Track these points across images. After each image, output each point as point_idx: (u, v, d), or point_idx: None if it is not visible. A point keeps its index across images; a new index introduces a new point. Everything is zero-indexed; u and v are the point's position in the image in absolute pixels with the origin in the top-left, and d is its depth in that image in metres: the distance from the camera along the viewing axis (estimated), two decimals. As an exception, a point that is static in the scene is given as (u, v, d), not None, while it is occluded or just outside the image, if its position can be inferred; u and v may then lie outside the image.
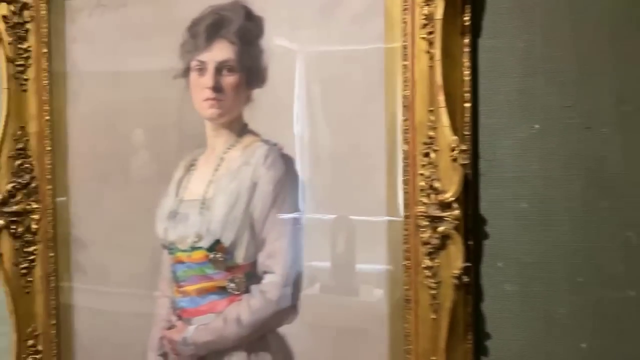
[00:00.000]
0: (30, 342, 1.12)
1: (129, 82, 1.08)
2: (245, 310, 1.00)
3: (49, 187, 1.11)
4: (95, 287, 1.12)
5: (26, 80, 1.11)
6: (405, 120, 0.89)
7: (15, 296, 1.10)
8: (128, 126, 1.08)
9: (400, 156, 0.90)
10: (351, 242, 0.96)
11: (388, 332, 0.92)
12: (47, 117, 1.11)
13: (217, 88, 1.00)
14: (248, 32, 0.99)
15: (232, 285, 1.01)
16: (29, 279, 1.12)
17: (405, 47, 0.89)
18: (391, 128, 0.91)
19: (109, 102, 1.09)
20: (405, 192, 0.90)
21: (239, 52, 0.99)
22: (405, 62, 0.89)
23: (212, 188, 1.02)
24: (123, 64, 1.08)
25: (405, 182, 0.90)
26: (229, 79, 1.00)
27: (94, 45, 1.10)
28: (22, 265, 1.11)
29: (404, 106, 0.90)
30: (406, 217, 0.90)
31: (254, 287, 1.00)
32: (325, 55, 0.96)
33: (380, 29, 0.92)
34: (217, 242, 1.01)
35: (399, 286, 0.91)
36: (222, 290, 1.02)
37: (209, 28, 1.01)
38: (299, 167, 0.97)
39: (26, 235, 1.11)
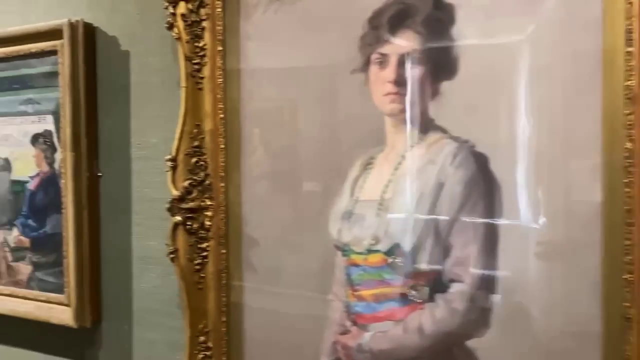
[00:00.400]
0: (202, 338, 1.13)
1: (304, 77, 1.05)
2: (428, 320, 0.94)
3: (222, 184, 1.12)
4: (266, 286, 1.10)
5: (202, 78, 1.12)
6: (628, 114, 0.78)
7: (189, 292, 1.12)
8: (302, 123, 1.06)
9: (622, 155, 0.79)
10: (555, 251, 0.85)
11: (601, 353, 0.82)
12: (222, 115, 1.11)
13: (399, 82, 0.95)
14: (437, 21, 0.92)
15: (414, 292, 0.95)
16: (201, 275, 1.13)
17: (629, 32, 0.78)
18: (610, 123, 0.80)
19: (283, 98, 1.07)
20: (628, 197, 0.78)
21: (426, 43, 0.93)
22: (630, 49, 0.78)
23: (391, 188, 0.97)
24: (298, 59, 1.05)
25: (628, 185, 0.78)
26: (413, 72, 0.94)
27: (268, 42, 1.08)
28: (196, 261, 1.12)
29: (628, 98, 0.78)
30: (628, 224, 0.79)
31: (438, 296, 0.93)
32: (528, 44, 0.86)
33: (596, 11, 0.81)
34: (397, 245, 0.96)
35: (616, 302, 0.80)
36: (402, 297, 0.96)
37: (393, 18, 0.95)
38: (494, 166, 0.88)
39: (200, 231, 1.12)
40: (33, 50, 1.34)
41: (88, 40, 1.29)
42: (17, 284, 1.41)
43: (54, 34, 1.29)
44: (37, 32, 1.31)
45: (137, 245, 1.29)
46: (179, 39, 1.10)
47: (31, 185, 1.38)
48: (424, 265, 0.94)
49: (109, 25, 1.30)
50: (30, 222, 1.39)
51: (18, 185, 1.40)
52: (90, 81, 1.30)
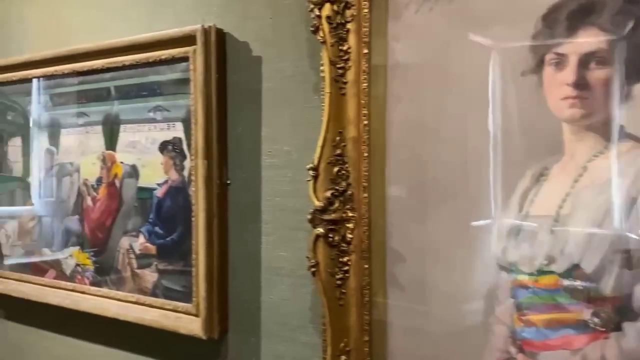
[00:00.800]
0: (343, 357, 1.07)
1: (462, 80, 0.97)
2: (614, 351, 0.83)
3: (365, 195, 1.05)
4: (413, 305, 1.03)
5: (345, 83, 1.06)
6: None
7: (330, 308, 1.06)
8: (459, 130, 0.97)
9: None
10: None
11: None
12: (365, 122, 1.05)
13: (580, 84, 0.85)
14: (630, 16, 0.82)
15: (596, 319, 0.85)
16: (342, 291, 1.07)
17: None
18: None
19: (437, 103, 1.00)
20: None
21: (615, 41, 0.83)
22: None
23: (569, 202, 0.87)
24: (455, 61, 0.98)
25: None
26: (598, 74, 0.84)
27: (420, 42, 1.01)
28: (337, 276, 1.07)
29: None
30: None
31: (627, 325, 0.82)
32: None
33: None
34: (575, 266, 0.86)
35: None
36: (580, 324, 0.86)
37: (573, 15, 0.85)
38: None
39: (342, 244, 1.06)
40: (163, 57, 1.33)
41: (220, 46, 1.27)
42: (142, 291, 1.41)
43: (185, 40, 1.28)
44: (169, 38, 1.31)
45: (266, 256, 1.25)
46: (323, 42, 1.05)
47: (159, 193, 1.38)
48: (609, 290, 0.83)
49: (240, 31, 1.28)
50: (157, 229, 1.38)
51: (145, 192, 1.41)
52: (221, 88, 1.27)
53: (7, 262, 1.74)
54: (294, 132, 1.20)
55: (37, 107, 1.63)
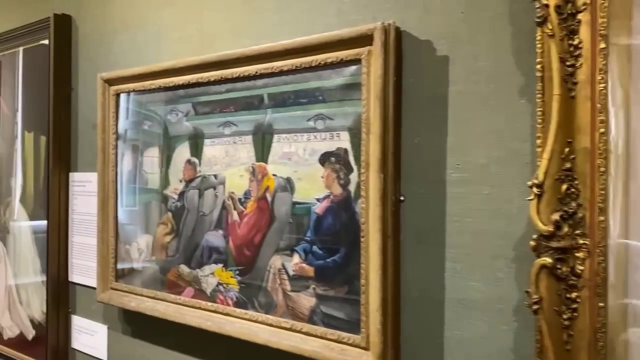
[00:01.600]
0: (570, 413, 0.89)
1: None
2: None
3: (601, 218, 0.87)
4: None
5: (575, 84, 0.89)
6: None
7: (556, 352, 0.88)
8: None
9: None
10: None
11: None
12: (602, 130, 0.87)
13: None
14: None
15: None
16: (570, 333, 0.89)
17: None
18: None
19: None
20: None
21: None
22: None
23: None
24: None
25: None
26: None
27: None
28: (564, 315, 0.89)
29: None
30: None
31: None
32: None
33: None
34: None
35: None
36: None
37: None
38: None
39: (570, 277, 0.89)
40: (329, 61, 1.21)
41: (398, 46, 1.13)
42: (297, 317, 1.28)
43: (356, 41, 1.15)
44: (338, 39, 1.18)
45: (452, 285, 1.09)
46: (552, 35, 0.89)
47: (318, 209, 1.25)
48: None
49: (421, 28, 1.13)
50: (315, 248, 1.25)
51: (301, 208, 1.28)
52: (397, 93, 1.13)
53: (140, 278, 1.67)
54: (493, 142, 1.04)
55: (179, 116, 1.55)
